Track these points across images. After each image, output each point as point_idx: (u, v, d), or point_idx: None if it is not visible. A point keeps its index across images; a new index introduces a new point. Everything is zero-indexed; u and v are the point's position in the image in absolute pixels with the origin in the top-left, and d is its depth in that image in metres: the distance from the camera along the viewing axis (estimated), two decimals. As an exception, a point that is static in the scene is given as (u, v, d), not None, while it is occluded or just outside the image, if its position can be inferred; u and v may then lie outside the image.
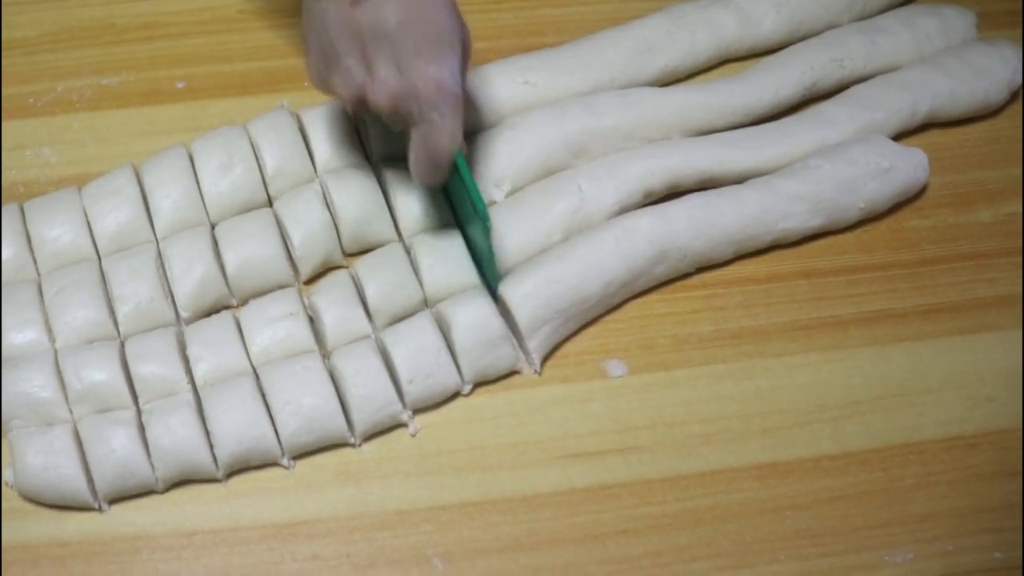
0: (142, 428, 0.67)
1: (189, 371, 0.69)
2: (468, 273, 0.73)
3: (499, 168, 0.76)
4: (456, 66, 0.65)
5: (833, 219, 0.77)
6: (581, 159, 0.77)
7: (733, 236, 0.75)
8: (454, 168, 0.67)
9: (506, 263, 0.73)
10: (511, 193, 0.76)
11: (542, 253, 0.73)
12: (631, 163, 0.76)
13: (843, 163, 0.76)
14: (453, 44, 0.65)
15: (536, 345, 0.71)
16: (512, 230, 0.73)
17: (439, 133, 0.65)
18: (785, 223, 0.75)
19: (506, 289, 0.71)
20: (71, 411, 0.68)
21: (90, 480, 0.66)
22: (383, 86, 0.64)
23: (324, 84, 0.68)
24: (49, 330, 0.70)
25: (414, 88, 0.64)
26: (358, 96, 0.66)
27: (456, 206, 0.74)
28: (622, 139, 0.78)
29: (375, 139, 0.76)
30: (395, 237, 0.75)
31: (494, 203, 0.76)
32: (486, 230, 0.67)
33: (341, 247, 0.74)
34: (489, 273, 0.71)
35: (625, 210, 0.75)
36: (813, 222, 0.76)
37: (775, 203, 0.75)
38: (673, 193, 0.77)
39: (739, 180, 0.77)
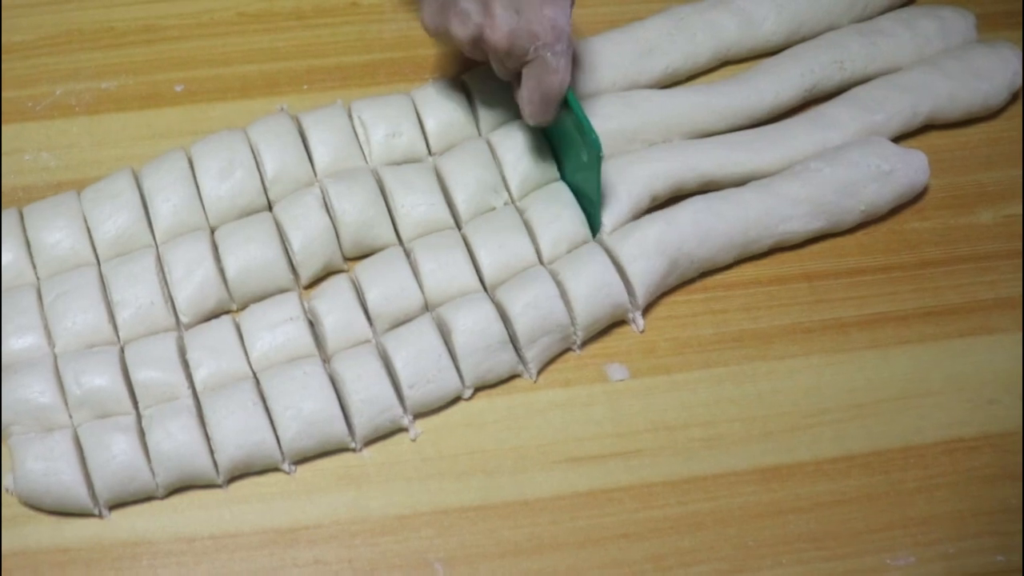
0: (142, 434, 0.67)
1: (189, 376, 0.69)
2: (470, 276, 0.72)
3: (498, 176, 0.76)
4: (568, 9, 0.69)
5: (834, 221, 0.77)
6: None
7: (736, 240, 0.75)
8: (561, 107, 0.71)
9: (499, 274, 0.73)
10: (512, 200, 0.76)
11: (547, 267, 0.73)
12: (637, 167, 0.76)
13: (843, 165, 0.76)
14: None
15: (533, 355, 0.71)
16: (509, 239, 0.73)
17: (552, 71, 0.68)
18: (786, 225, 0.75)
19: (505, 296, 0.71)
20: (71, 417, 0.68)
21: (90, 486, 0.66)
22: (501, 25, 0.67)
23: (439, 28, 0.71)
24: (49, 335, 0.70)
25: (530, 27, 0.67)
26: (475, 36, 0.69)
27: (560, 150, 0.76)
28: (624, 142, 0.78)
29: (484, 108, 0.78)
30: (395, 241, 0.75)
31: (493, 208, 0.76)
32: (598, 158, 0.70)
33: (341, 251, 0.74)
34: (595, 210, 0.74)
35: (636, 216, 0.75)
36: (814, 224, 0.76)
37: (776, 206, 0.75)
38: (673, 197, 0.77)
39: (740, 182, 0.77)
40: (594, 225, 0.75)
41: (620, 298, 0.72)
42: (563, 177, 0.77)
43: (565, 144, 0.75)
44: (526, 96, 0.70)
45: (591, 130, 0.69)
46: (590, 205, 0.74)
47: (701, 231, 0.73)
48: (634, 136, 0.78)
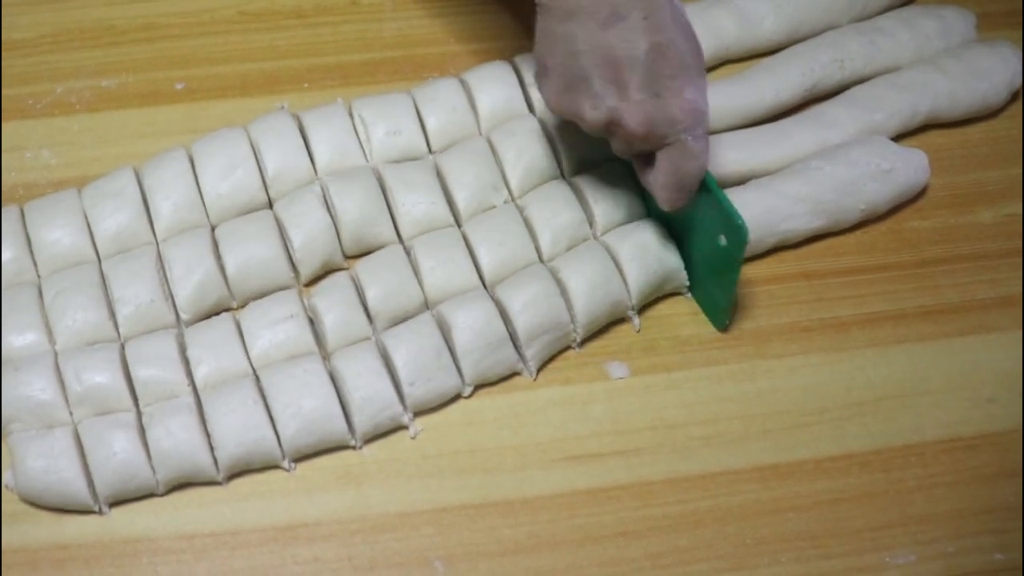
0: (142, 431, 0.67)
1: (189, 373, 0.69)
2: (470, 274, 0.73)
3: (498, 175, 0.76)
4: (705, 90, 0.66)
5: (834, 220, 0.77)
6: (586, 164, 0.77)
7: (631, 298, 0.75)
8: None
9: (499, 272, 0.73)
10: (511, 200, 0.76)
11: (546, 265, 0.73)
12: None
13: (843, 164, 0.76)
14: (701, 70, 0.66)
15: (533, 353, 0.71)
16: (509, 237, 0.73)
17: (692, 156, 0.66)
18: (787, 224, 0.75)
19: (505, 294, 0.71)
20: (71, 414, 0.68)
21: (90, 483, 0.66)
22: (639, 109, 0.64)
23: (566, 106, 0.67)
24: (49, 332, 0.70)
25: (669, 112, 0.64)
26: (609, 119, 0.65)
27: (683, 229, 0.73)
28: None
29: (568, 152, 0.76)
30: (396, 239, 0.75)
31: (494, 206, 0.76)
32: (742, 244, 0.67)
33: (342, 249, 0.74)
34: (728, 299, 0.71)
35: (633, 218, 0.75)
36: (814, 223, 0.76)
37: (777, 204, 0.75)
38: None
39: (740, 181, 0.77)
40: (721, 318, 0.73)
41: (620, 296, 0.72)
42: (683, 253, 0.74)
43: (691, 225, 0.72)
44: (662, 181, 0.67)
45: (737, 216, 0.66)
46: (719, 293, 0.72)
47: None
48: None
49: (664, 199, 0.68)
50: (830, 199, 0.76)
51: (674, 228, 0.74)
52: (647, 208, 0.75)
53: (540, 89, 0.68)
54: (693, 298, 0.75)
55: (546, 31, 0.66)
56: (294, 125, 0.77)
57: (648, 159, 0.68)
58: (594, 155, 0.76)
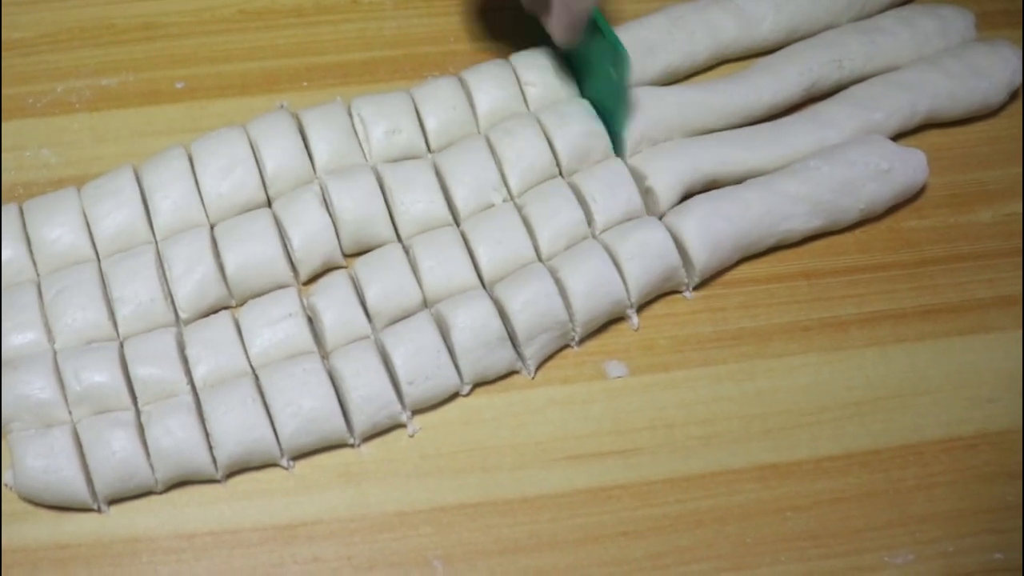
0: (142, 429, 0.67)
1: (189, 372, 0.69)
2: (469, 273, 0.73)
3: (497, 174, 0.76)
4: None
5: (833, 220, 0.77)
6: (584, 163, 0.77)
7: (740, 243, 0.75)
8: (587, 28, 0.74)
9: (498, 271, 0.73)
10: (511, 198, 0.76)
11: (545, 264, 0.73)
12: (641, 167, 0.76)
13: (842, 164, 0.76)
14: None
15: (532, 352, 0.71)
16: (508, 236, 0.73)
17: None
18: (786, 224, 0.75)
19: (504, 293, 0.71)
20: (71, 413, 0.68)
21: (90, 482, 0.66)
22: None
23: None
24: (49, 331, 0.70)
25: None
26: None
27: (584, 71, 0.79)
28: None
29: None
30: (395, 238, 0.75)
31: (493, 205, 0.76)
32: (625, 69, 0.73)
33: (341, 248, 0.74)
34: (621, 126, 0.77)
35: (631, 216, 0.75)
36: (813, 223, 0.76)
37: (776, 204, 0.75)
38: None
39: (738, 180, 0.77)
40: (618, 144, 0.77)
41: (619, 295, 0.72)
42: (584, 95, 0.80)
43: (590, 64, 0.77)
44: (555, 22, 0.74)
45: (618, 42, 0.72)
46: (616, 122, 0.77)
47: (708, 241, 0.74)
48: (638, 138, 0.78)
49: (558, 35, 0.75)
50: (829, 199, 0.76)
51: (578, 73, 0.80)
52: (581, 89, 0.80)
53: None
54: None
55: None
56: (293, 124, 0.77)
57: (545, 6, 0.75)
58: None
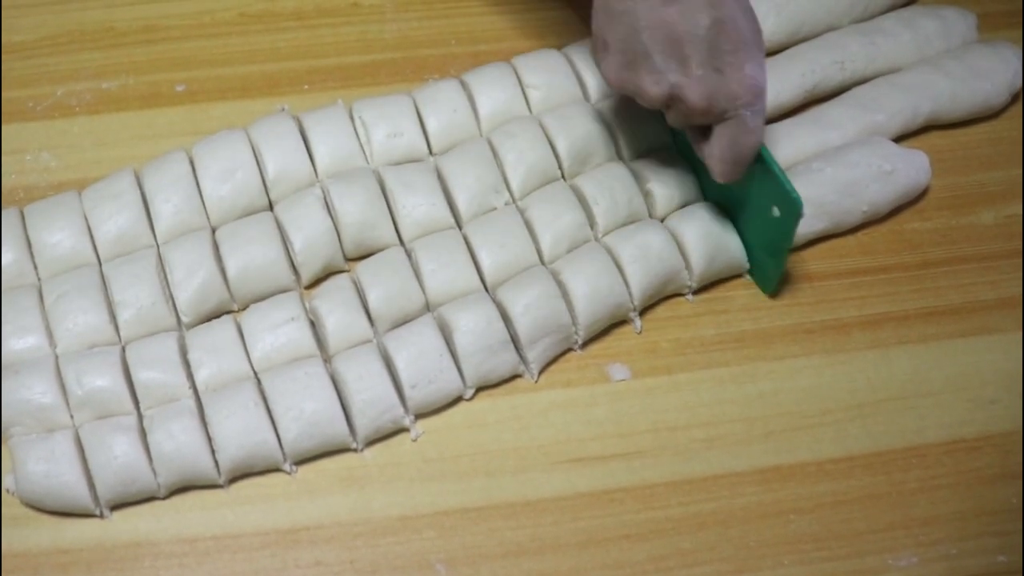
0: (144, 434, 0.67)
1: (191, 376, 0.69)
2: (471, 276, 0.72)
3: (499, 177, 0.76)
4: (764, 66, 0.68)
5: (836, 222, 0.77)
6: (586, 166, 0.77)
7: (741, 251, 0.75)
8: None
9: (500, 274, 0.73)
10: (512, 201, 0.76)
11: (547, 267, 0.73)
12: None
13: (845, 166, 0.76)
14: (761, 46, 0.67)
15: (535, 355, 0.71)
16: (510, 239, 0.73)
17: (749, 131, 0.67)
18: None
19: (506, 296, 0.71)
20: (72, 417, 0.68)
21: (91, 487, 0.66)
22: (700, 84, 0.65)
23: (627, 82, 0.68)
24: (50, 336, 0.70)
25: (730, 88, 0.66)
26: (670, 94, 0.66)
27: (736, 202, 0.74)
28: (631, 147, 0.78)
29: (627, 137, 0.78)
30: (397, 241, 0.75)
31: (495, 208, 0.75)
32: (797, 216, 0.68)
33: (343, 252, 0.74)
34: (779, 267, 0.73)
35: (633, 219, 0.75)
36: (817, 226, 0.76)
37: None
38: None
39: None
40: (770, 284, 0.75)
41: (621, 298, 0.72)
42: (736, 226, 0.75)
43: (745, 197, 0.73)
44: (718, 155, 0.68)
45: (792, 189, 0.68)
46: (772, 262, 0.73)
47: (709, 248, 0.73)
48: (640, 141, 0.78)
49: (720, 172, 0.69)
50: (832, 200, 0.75)
51: (728, 202, 0.75)
52: (703, 190, 0.77)
53: (600, 65, 0.70)
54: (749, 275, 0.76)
55: (606, 8, 0.68)
56: (295, 127, 0.77)
57: (704, 132, 0.69)
58: (648, 140, 0.78)
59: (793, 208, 0.68)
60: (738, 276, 0.76)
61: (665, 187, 0.76)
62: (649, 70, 0.66)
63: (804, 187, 0.75)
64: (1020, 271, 0.78)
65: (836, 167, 0.76)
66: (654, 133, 0.78)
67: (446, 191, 0.76)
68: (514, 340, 0.71)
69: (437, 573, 0.66)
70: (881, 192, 0.77)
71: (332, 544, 0.67)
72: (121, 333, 0.71)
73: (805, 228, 0.76)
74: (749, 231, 0.74)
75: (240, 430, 0.67)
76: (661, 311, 0.75)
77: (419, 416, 0.70)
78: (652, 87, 0.66)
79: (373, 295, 0.71)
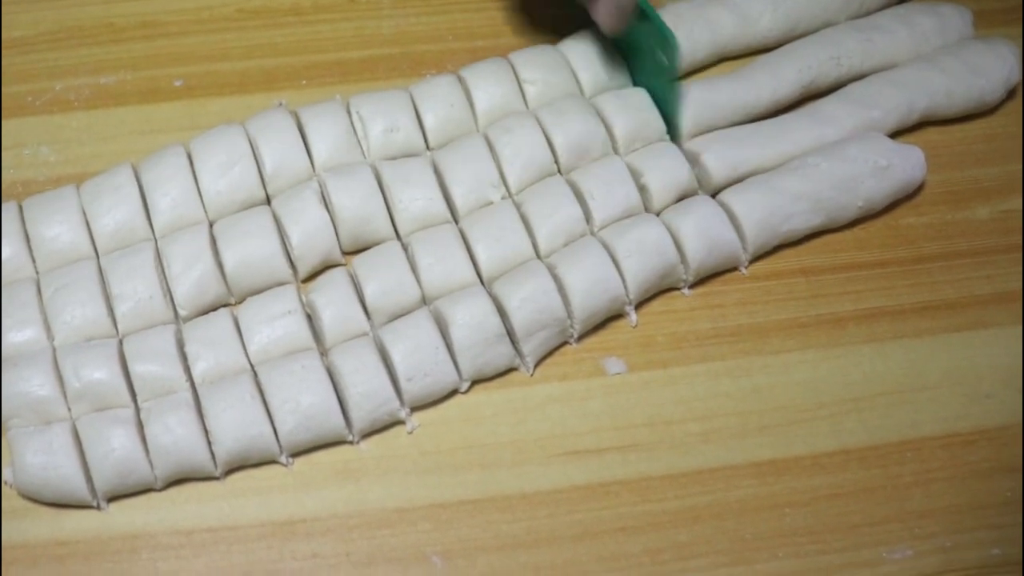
0: (141, 426, 0.67)
1: (188, 369, 0.69)
2: (467, 270, 0.73)
3: (495, 171, 0.76)
4: None
5: (832, 217, 0.77)
6: (583, 161, 0.77)
7: (737, 248, 0.75)
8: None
9: (496, 268, 0.73)
10: (509, 195, 0.76)
11: (543, 261, 0.73)
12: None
13: (841, 161, 0.76)
14: None
15: (531, 349, 0.71)
16: (507, 233, 0.73)
17: None
18: (788, 225, 0.75)
19: (502, 290, 0.71)
20: (70, 410, 0.68)
21: (89, 479, 0.66)
22: None
23: None
24: (48, 328, 0.70)
25: None
26: None
27: (634, 57, 0.80)
28: (626, 141, 0.78)
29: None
30: (393, 235, 0.75)
31: (491, 203, 0.76)
32: (675, 54, 0.75)
33: (339, 245, 0.74)
34: (676, 113, 0.78)
35: (630, 213, 0.75)
36: (813, 221, 0.76)
37: (779, 205, 0.75)
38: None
39: (738, 179, 0.77)
40: (673, 130, 0.79)
41: (617, 292, 0.72)
42: (635, 82, 0.81)
43: (638, 51, 0.79)
44: (603, 10, 0.75)
45: (665, 27, 0.74)
46: (669, 108, 0.78)
47: (705, 242, 0.74)
48: (636, 135, 0.78)
49: (605, 23, 0.76)
50: (829, 196, 0.76)
51: (627, 60, 0.81)
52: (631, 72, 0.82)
53: None
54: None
55: None
56: (292, 122, 0.77)
57: None
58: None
59: (671, 47, 0.74)
60: (734, 270, 0.76)
61: (661, 181, 0.76)
62: None
63: (800, 182, 0.75)
64: (1016, 266, 0.78)
65: (832, 162, 0.76)
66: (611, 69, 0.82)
67: (443, 186, 0.76)
68: (510, 334, 0.71)
69: (433, 565, 0.66)
70: (877, 187, 0.77)
71: (328, 536, 0.67)
72: (119, 326, 0.71)
73: (802, 223, 0.76)
74: (653, 86, 0.79)
75: (237, 422, 0.67)
76: (657, 305, 0.75)
77: (415, 409, 0.70)
78: None
79: (370, 289, 0.71)
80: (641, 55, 0.79)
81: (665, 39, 0.74)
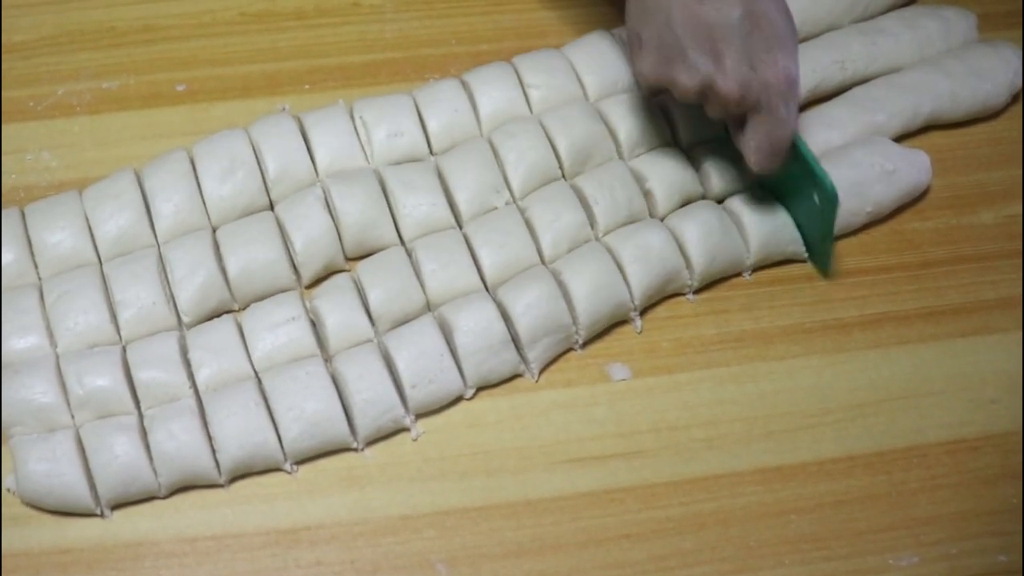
0: (144, 433, 0.67)
1: (191, 376, 0.69)
2: (471, 276, 0.72)
3: (499, 176, 0.76)
4: (797, 58, 0.69)
5: (843, 224, 0.77)
6: (587, 166, 0.77)
7: (739, 258, 0.75)
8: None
9: (501, 274, 0.73)
10: (513, 201, 0.76)
11: (548, 267, 0.73)
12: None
13: (848, 166, 0.76)
14: (794, 38, 0.69)
15: (535, 355, 0.71)
16: (511, 239, 0.73)
17: (783, 123, 0.68)
18: (796, 247, 0.76)
19: (507, 296, 0.71)
20: (73, 417, 0.68)
21: (92, 486, 0.66)
22: (734, 76, 0.67)
23: (662, 75, 0.70)
24: (50, 335, 0.70)
25: (765, 79, 0.67)
26: (704, 86, 0.68)
27: (783, 189, 0.76)
28: (630, 146, 0.78)
29: (684, 126, 0.79)
30: (397, 241, 0.75)
31: (495, 208, 0.75)
32: (834, 204, 0.71)
33: (343, 251, 0.74)
34: (826, 250, 0.75)
35: (633, 219, 0.75)
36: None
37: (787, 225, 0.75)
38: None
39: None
40: (822, 264, 0.76)
41: (621, 298, 0.72)
42: (791, 213, 0.76)
43: (787, 187, 0.75)
44: (754, 145, 0.70)
45: (825, 176, 0.70)
46: (819, 246, 0.75)
47: (709, 248, 0.73)
48: (639, 140, 0.78)
49: (755, 162, 0.70)
50: (841, 203, 0.75)
51: (778, 191, 0.77)
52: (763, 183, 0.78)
53: (633, 61, 0.71)
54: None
55: (640, 4, 0.69)
56: (295, 127, 0.77)
57: (741, 124, 0.70)
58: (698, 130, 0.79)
59: (829, 197, 0.70)
60: (739, 275, 0.76)
61: (665, 186, 0.76)
62: (683, 64, 0.68)
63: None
64: (1020, 271, 0.78)
65: (840, 167, 0.76)
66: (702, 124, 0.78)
67: (447, 191, 0.76)
68: (515, 340, 0.71)
69: (438, 573, 0.66)
70: (884, 192, 0.77)
71: (333, 544, 0.67)
72: (122, 333, 0.71)
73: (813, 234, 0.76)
74: (798, 217, 0.76)
75: (241, 429, 0.67)
76: (662, 311, 0.75)
77: (420, 416, 0.70)
78: (686, 79, 0.68)
79: (373, 295, 0.71)
80: (792, 186, 0.74)
81: (824, 190, 0.70)
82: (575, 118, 0.77)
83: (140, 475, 0.66)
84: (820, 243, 0.75)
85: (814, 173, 0.70)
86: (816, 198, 0.72)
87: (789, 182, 0.74)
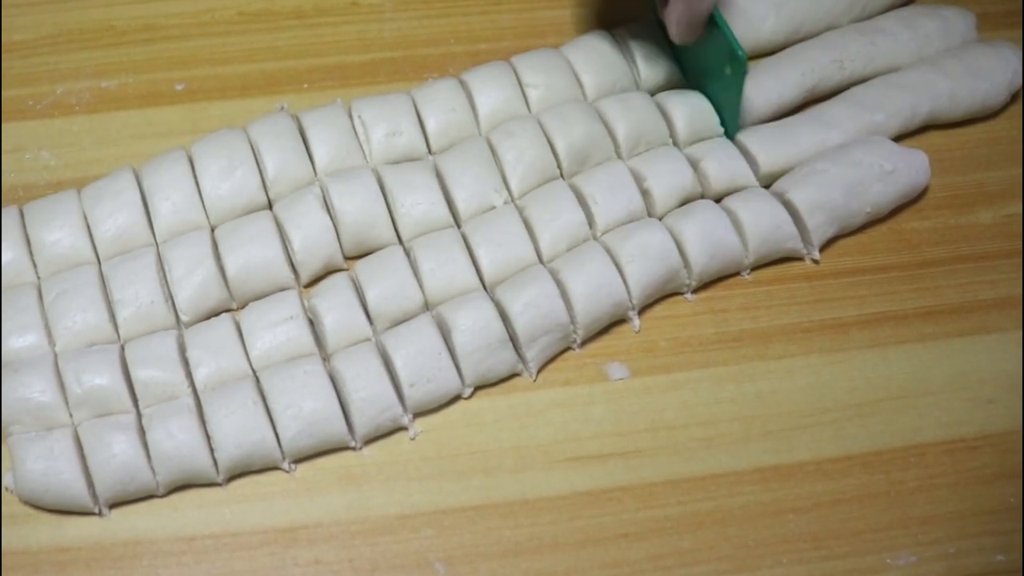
0: (143, 432, 0.67)
1: (190, 375, 0.69)
2: (470, 275, 0.73)
3: (498, 176, 0.76)
4: None
5: (843, 225, 0.77)
6: (585, 165, 0.77)
7: (738, 257, 0.75)
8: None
9: (499, 273, 0.73)
10: (511, 200, 0.76)
11: (546, 266, 0.73)
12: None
13: (847, 166, 0.76)
14: None
15: (533, 354, 0.71)
16: (509, 238, 0.73)
17: None
18: (794, 243, 0.75)
19: (505, 295, 0.71)
20: (71, 415, 0.68)
21: (90, 485, 0.66)
22: None
23: None
24: (49, 334, 0.70)
25: None
26: None
27: (697, 62, 0.80)
28: (629, 145, 0.78)
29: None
30: (395, 240, 0.75)
31: (494, 207, 0.75)
32: (742, 74, 0.75)
33: (341, 250, 0.74)
34: (732, 122, 0.79)
35: (632, 218, 0.75)
36: (829, 232, 0.76)
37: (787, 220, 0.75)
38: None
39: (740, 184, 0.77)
40: (731, 130, 0.80)
41: (620, 297, 0.72)
42: (690, 86, 0.81)
43: (700, 59, 0.79)
44: (675, 17, 0.74)
45: (737, 43, 0.74)
46: (728, 119, 0.79)
47: (708, 247, 0.74)
48: (638, 139, 0.78)
49: (675, 33, 0.75)
50: (840, 204, 0.75)
51: (690, 64, 0.81)
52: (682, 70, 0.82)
53: None
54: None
55: None
56: (294, 126, 0.77)
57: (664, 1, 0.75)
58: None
59: (740, 65, 0.74)
60: (737, 274, 0.76)
61: (664, 186, 0.76)
62: None
63: (811, 190, 0.75)
64: (1019, 271, 0.78)
65: (840, 167, 0.76)
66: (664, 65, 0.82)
67: (445, 190, 0.76)
68: (513, 339, 0.71)
69: (436, 572, 0.66)
70: (883, 192, 0.77)
71: (331, 543, 0.67)
72: (120, 331, 0.71)
73: (818, 236, 0.76)
74: (715, 92, 0.79)
75: (239, 428, 0.67)
76: (660, 310, 0.75)
77: (417, 415, 0.70)
78: None
79: (372, 294, 0.71)
80: (702, 62, 0.79)
81: (735, 55, 0.74)
82: (574, 117, 0.77)
83: (138, 474, 0.66)
84: (730, 111, 0.78)
85: (728, 42, 0.74)
86: (729, 69, 0.75)
87: (708, 56, 0.78)
